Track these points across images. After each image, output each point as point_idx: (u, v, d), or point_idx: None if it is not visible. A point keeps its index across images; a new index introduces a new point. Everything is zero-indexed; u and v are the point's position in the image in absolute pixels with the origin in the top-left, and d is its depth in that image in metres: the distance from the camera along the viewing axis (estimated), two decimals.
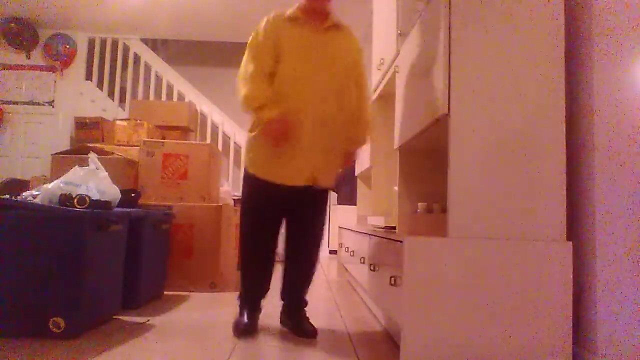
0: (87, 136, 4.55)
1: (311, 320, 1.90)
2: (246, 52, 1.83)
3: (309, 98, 1.76)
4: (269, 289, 1.96)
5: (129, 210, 2.13)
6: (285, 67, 1.75)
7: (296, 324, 1.87)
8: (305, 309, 1.96)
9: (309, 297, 2.01)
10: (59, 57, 5.27)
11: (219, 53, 5.88)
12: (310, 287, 1.99)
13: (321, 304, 2.51)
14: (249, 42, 1.83)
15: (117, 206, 2.00)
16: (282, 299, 1.99)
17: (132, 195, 2.52)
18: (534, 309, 1.45)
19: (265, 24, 1.80)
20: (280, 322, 1.97)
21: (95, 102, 5.31)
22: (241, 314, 1.89)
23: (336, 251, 4.52)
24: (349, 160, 1.99)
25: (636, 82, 1.35)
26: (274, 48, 1.75)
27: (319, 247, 1.97)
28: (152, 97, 5.38)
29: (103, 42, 5.42)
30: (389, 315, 1.74)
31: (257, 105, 1.73)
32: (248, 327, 1.82)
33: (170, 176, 2.97)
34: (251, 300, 1.93)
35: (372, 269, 2.03)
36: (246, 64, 1.79)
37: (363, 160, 3.28)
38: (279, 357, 1.57)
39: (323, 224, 1.97)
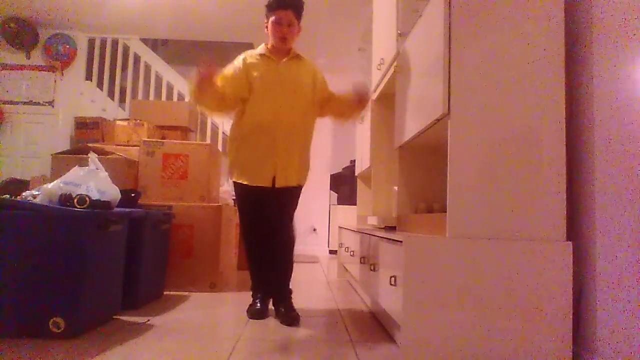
0: (87, 136, 4.55)
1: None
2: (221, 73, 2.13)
3: (275, 114, 2.08)
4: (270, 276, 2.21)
5: (129, 210, 2.13)
6: (256, 91, 2.10)
7: (281, 312, 2.10)
8: (291, 296, 2.19)
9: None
10: (59, 57, 5.27)
11: (219, 53, 5.88)
12: (290, 276, 2.22)
13: (321, 303, 2.52)
14: (225, 69, 2.16)
15: (117, 206, 2.00)
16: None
17: (132, 195, 2.52)
18: (534, 309, 1.45)
19: (241, 57, 2.18)
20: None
21: (95, 102, 5.31)
22: (254, 301, 2.20)
23: (336, 251, 4.52)
24: (360, 103, 2.18)
25: (636, 82, 1.35)
26: (245, 75, 2.11)
27: (290, 240, 2.19)
28: (152, 97, 5.38)
29: (103, 42, 5.42)
30: (388, 316, 1.74)
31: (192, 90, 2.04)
32: (259, 311, 2.13)
33: (170, 176, 2.97)
34: (260, 289, 2.22)
35: (372, 269, 2.03)
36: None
37: (363, 160, 3.28)
38: (279, 357, 1.57)
39: (291, 219, 2.20)
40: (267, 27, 2.15)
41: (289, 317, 2.04)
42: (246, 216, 2.20)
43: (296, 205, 2.22)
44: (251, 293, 2.25)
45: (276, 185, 2.09)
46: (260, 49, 2.19)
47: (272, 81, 2.11)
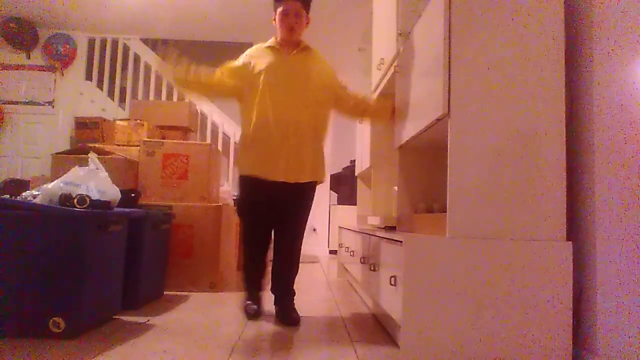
0: (87, 136, 4.55)
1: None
2: (223, 65, 2.17)
3: (285, 108, 2.04)
4: (265, 270, 2.22)
5: (129, 210, 2.13)
6: (265, 84, 2.05)
7: (282, 312, 2.08)
8: (294, 299, 2.17)
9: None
10: (59, 57, 5.27)
11: (219, 53, 5.87)
12: (295, 278, 2.20)
13: (321, 303, 2.52)
14: (228, 62, 2.17)
15: (117, 206, 2.00)
16: (272, 291, 2.20)
17: (132, 195, 2.53)
18: (534, 309, 1.45)
19: (244, 54, 2.18)
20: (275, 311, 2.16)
21: (95, 102, 5.31)
22: (248, 298, 2.17)
23: (336, 251, 4.52)
24: (390, 114, 2.23)
25: (636, 82, 1.35)
26: (250, 71, 2.09)
27: (299, 240, 2.16)
28: (152, 97, 5.38)
29: (103, 42, 5.42)
30: (388, 315, 1.75)
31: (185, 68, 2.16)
32: (256, 311, 2.10)
33: (170, 176, 2.97)
34: (253, 283, 2.20)
35: (372, 269, 2.03)
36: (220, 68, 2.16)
37: (363, 160, 3.28)
38: (279, 357, 1.57)
39: (304, 220, 2.16)
40: (274, 19, 2.12)
41: (290, 317, 2.02)
42: (250, 214, 2.14)
43: (310, 204, 2.15)
44: (245, 293, 2.22)
45: (288, 181, 2.02)
46: (270, 42, 2.16)
47: (281, 74, 2.07)
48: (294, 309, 2.09)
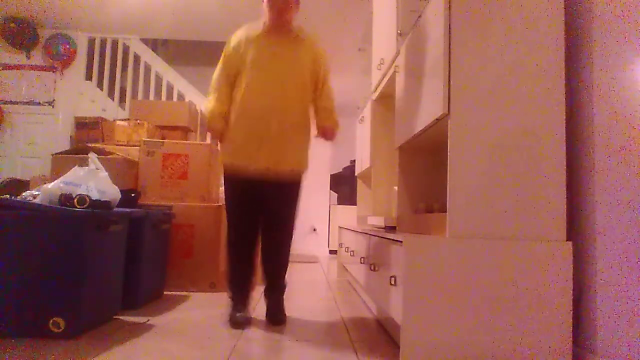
0: (87, 136, 4.55)
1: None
2: (220, 60, 2.16)
3: (270, 95, 2.01)
4: (253, 278, 2.14)
5: (129, 210, 2.13)
6: (250, 71, 2.03)
7: (269, 309, 2.06)
8: (284, 292, 2.15)
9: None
10: (59, 57, 5.27)
11: (219, 53, 5.87)
12: (285, 273, 2.16)
13: (321, 303, 2.52)
14: (223, 50, 2.15)
15: (117, 206, 2.00)
16: (263, 282, 2.16)
17: (132, 195, 2.53)
18: (534, 309, 1.45)
19: (234, 37, 2.13)
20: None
21: (95, 102, 5.31)
22: (234, 307, 2.05)
23: (336, 251, 4.52)
24: (325, 134, 2.14)
25: (636, 82, 1.35)
26: (240, 57, 2.07)
27: (289, 236, 2.12)
28: (152, 97, 5.38)
29: (103, 42, 5.42)
30: (388, 315, 1.75)
31: (209, 117, 2.10)
32: (243, 320, 1.98)
33: (170, 176, 2.97)
34: (240, 293, 2.09)
35: (372, 269, 2.03)
36: (217, 72, 2.16)
37: (363, 160, 3.28)
38: (279, 356, 1.57)
39: (291, 213, 2.11)
40: (263, 1, 2.06)
41: (276, 317, 2.01)
42: (235, 212, 2.07)
43: (296, 197, 2.10)
44: (230, 297, 2.09)
45: (270, 168, 1.99)
46: (257, 26, 2.09)
47: (268, 60, 2.03)
48: (282, 309, 2.07)
